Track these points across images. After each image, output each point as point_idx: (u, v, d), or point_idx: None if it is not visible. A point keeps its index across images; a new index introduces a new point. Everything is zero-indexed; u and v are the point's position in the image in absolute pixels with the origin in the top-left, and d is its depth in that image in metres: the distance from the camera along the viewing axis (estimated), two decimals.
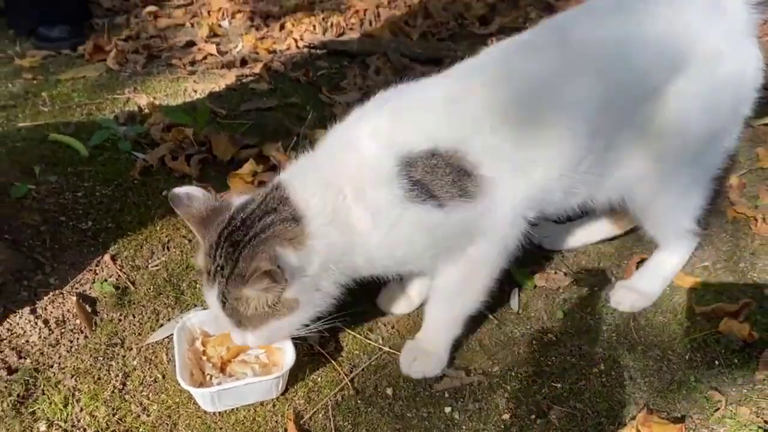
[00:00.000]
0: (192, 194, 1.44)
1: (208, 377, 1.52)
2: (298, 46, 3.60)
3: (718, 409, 1.50)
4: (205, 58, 3.42)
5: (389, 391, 1.56)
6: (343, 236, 1.38)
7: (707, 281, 1.87)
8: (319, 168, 1.44)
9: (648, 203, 1.66)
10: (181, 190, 1.44)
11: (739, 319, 1.70)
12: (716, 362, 1.62)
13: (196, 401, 1.51)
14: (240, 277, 1.30)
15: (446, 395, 1.55)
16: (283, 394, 1.55)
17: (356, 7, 4.08)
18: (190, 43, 3.59)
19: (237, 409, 1.50)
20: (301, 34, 3.74)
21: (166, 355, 1.63)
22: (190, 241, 2.00)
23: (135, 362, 1.61)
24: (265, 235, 1.33)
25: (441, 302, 1.59)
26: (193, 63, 3.36)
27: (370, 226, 1.38)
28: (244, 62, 3.35)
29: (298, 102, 2.91)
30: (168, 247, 1.98)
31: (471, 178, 1.38)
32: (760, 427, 1.45)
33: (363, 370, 1.61)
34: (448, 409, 1.51)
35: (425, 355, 1.60)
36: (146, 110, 2.76)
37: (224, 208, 1.43)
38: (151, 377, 1.58)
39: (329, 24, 3.88)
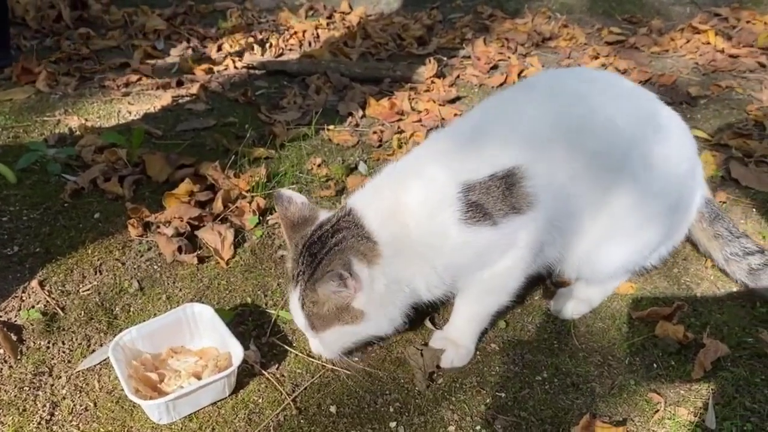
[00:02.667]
0: (293, 199, 1.58)
1: (170, 387, 1.49)
2: (236, 67, 3.57)
3: (658, 411, 1.52)
4: (139, 79, 3.35)
5: (333, 409, 1.52)
6: (409, 264, 1.48)
7: (643, 287, 1.92)
8: (386, 197, 1.52)
9: (594, 259, 1.72)
10: (285, 191, 1.59)
11: (673, 321, 1.75)
12: (654, 365, 1.65)
13: (133, 426, 1.44)
14: (316, 279, 1.42)
15: (391, 410, 1.52)
16: (234, 392, 1.53)
17: (295, 29, 4.08)
18: (125, 65, 3.51)
19: None
20: (239, 54, 3.71)
21: (98, 382, 1.56)
22: (123, 264, 1.93)
23: (64, 391, 1.53)
24: (340, 247, 1.45)
25: (471, 299, 1.65)
26: (127, 84, 3.29)
27: (434, 249, 1.48)
28: (180, 83, 3.30)
29: (237, 121, 2.87)
30: (100, 271, 1.90)
31: (522, 194, 1.49)
32: (698, 426, 1.48)
33: (305, 389, 1.57)
34: (393, 424, 1.49)
35: (454, 346, 1.64)
36: (77, 132, 2.68)
37: (312, 220, 1.56)
38: (81, 406, 1.50)
39: (268, 45, 3.86)
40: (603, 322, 1.80)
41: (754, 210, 2.31)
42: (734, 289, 1.90)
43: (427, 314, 1.78)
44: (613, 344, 1.73)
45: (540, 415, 1.52)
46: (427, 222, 1.47)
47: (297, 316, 1.53)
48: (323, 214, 1.56)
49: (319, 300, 1.47)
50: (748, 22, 4.22)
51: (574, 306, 1.82)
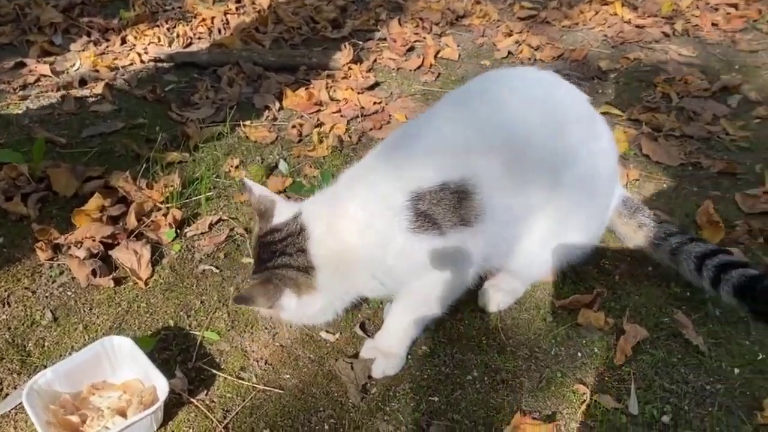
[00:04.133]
0: (253, 190, 1.62)
1: (94, 429, 1.43)
2: (142, 61, 3.39)
3: (584, 401, 1.57)
4: (38, 80, 3.14)
5: None
6: (347, 278, 1.54)
7: (564, 272, 1.96)
8: (333, 208, 1.54)
9: (530, 259, 1.75)
10: (247, 181, 1.65)
11: (594, 308, 1.80)
12: (579, 354, 1.71)
13: None
14: (247, 296, 1.48)
15: (326, 427, 1.51)
16: (162, 425, 1.49)
17: (203, 15, 3.92)
18: (20, 65, 3.28)
19: None
20: (145, 47, 3.53)
21: (15, 429, 1.47)
22: (33, 293, 1.82)
23: None
24: (280, 272, 1.51)
25: (406, 308, 1.65)
26: (24, 86, 3.07)
27: (375, 257, 1.51)
28: (83, 82, 3.11)
29: (146, 122, 2.74)
30: (8, 303, 1.79)
31: (472, 206, 1.51)
32: (622, 413, 1.54)
33: (237, 413, 1.53)
34: None
35: (385, 355, 1.64)
36: None
37: (269, 213, 1.60)
38: None
39: (175, 35, 3.69)
40: (528, 313, 1.84)
41: (665, 185, 2.40)
42: (650, 269, 1.97)
43: (357, 321, 1.78)
44: (539, 335, 1.77)
45: (473, 416, 1.54)
46: (371, 230, 1.49)
47: None
48: (279, 208, 1.60)
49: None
50: None
51: (500, 298, 1.85)
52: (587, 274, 1.97)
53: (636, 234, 1.95)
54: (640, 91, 3.13)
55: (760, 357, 1.68)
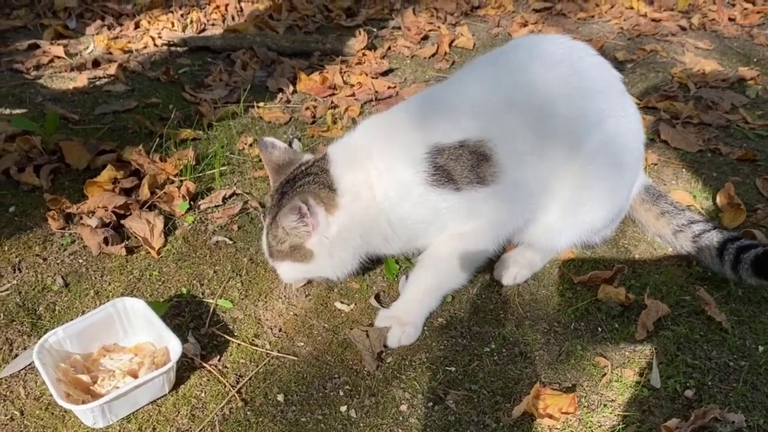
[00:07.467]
0: (276, 144, 1.71)
1: (105, 389, 1.41)
2: (156, 45, 3.39)
3: (605, 374, 1.53)
4: (51, 61, 3.14)
5: (280, 397, 1.47)
6: (366, 214, 1.56)
7: (583, 251, 1.93)
8: (357, 147, 1.61)
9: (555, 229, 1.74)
10: (267, 138, 1.71)
11: (615, 284, 1.76)
12: (599, 329, 1.67)
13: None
14: (276, 214, 1.54)
15: (341, 393, 1.48)
16: (174, 388, 1.46)
17: (217, 2, 3.91)
18: (34, 46, 3.28)
19: None
20: (159, 31, 3.53)
21: (24, 388, 1.45)
22: (45, 260, 1.80)
23: None
24: (301, 188, 1.56)
25: (426, 270, 1.66)
26: (38, 67, 3.07)
27: (391, 202, 1.56)
28: (96, 64, 3.10)
29: (160, 102, 2.72)
30: (19, 269, 1.77)
31: (489, 165, 1.54)
32: (644, 386, 1.50)
33: (250, 379, 1.50)
34: (343, 408, 1.45)
35: (400, 324, 1.61)
36: None
37: (295, 162, 1.67)
38: (6, 415, 1.39)
39: (189, 20, 3.69)
40: (546, 289, 1.81)
41: (683, 170, 2.36)
42: (670, 250, 1.94)
43: (373, 293, 1.75)
44: (558, 311, 1.73)
45: (491, 386, 1.51)
46: (390, 175, 1.55)
47: (263, 243, 1.66)
48: (307, 158, 1.67)
49: (278, 236, 1.57)
50: None
51: (517, 271, 1.81)
52: (606, 253, 1.93)
53: (657, 221, 1.92)
54: (657, 81, 3.10)
55: None
